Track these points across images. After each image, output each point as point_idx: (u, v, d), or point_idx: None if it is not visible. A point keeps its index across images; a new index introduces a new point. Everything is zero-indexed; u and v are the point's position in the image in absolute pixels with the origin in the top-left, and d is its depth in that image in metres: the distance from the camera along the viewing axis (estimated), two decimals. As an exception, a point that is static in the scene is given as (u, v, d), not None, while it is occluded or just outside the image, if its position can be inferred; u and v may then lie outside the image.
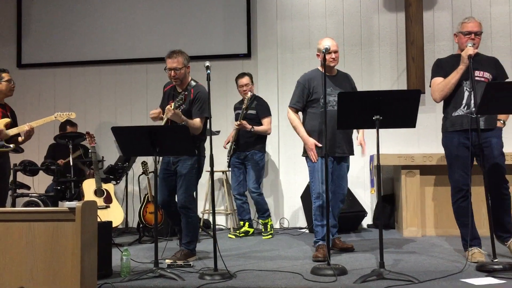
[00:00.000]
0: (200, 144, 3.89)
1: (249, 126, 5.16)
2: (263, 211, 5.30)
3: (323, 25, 6.13)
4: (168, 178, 3.91)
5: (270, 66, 6.15)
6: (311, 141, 3.93)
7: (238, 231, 5.33)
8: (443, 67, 3.74)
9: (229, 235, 5.29)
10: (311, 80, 4.00)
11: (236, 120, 5.36)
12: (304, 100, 4.02)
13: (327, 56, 3.78)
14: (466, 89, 3.62)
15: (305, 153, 4.04)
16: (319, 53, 3.96)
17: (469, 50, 3.51)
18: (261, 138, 5.33)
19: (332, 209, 4.00)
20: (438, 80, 3.72)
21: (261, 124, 5.26)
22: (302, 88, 4.03)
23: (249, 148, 5.26)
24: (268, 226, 5.27)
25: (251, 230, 5.35)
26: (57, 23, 6.68)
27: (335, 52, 3.95)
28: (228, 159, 5.44)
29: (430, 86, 3.83)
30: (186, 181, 3.81)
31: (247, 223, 5.35)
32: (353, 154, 4.13)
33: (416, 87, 5.59)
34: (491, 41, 5.80)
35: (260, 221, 5.32)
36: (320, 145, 3.90)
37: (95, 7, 6.62)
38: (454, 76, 3.60)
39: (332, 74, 4.06)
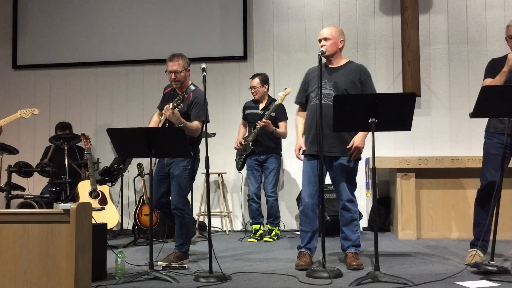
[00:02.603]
0: (194, 146, 3.89)
1: (273, 127, 5.12)
2: (275, 218, 5.23)
3: (319, 27, 6.08)
4: (162, 180, 3.93)
5: (266, 68, 6.15)
6: (297, 144, 3.74)
7: (257, 235, 5.18)
8: (495, 68, 3.63)
9: (249, 240, 5.11)
10: (311, 73, 3.81)
11: (247, 119, 5.37)
12: (303, 95, 3.82)
13: (319, 45, 3.67)
14: None
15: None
16: None
17: None
18: (279, 141, 5.32)
19: (339, 220, 3.70)
20: (488, 81, 3.62)
21: (277, 127, 5.21)
22: (302, 82, 3.87)
23: (271, 151, 5.23)
24: (273, 233, 5.20)
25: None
26: (53, 24, 6.66)
27: (325, 39, 3.66)
28: (240, 160, 5.32)
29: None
30: (178, 183, 3.82)
31: (262, 226, 5.24)
32: (345, 156, 3.61)
33: (411, 90, 5.61)
34: (486, 45, 5.83)
35: (268, 226, 5.24)
36: (304, 148, 3.70)
37: (91, 9, 6.61)
38: (498, 80, 3.50)
39: (333, 66, 3.71)
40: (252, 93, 5.31)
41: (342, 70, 3.69)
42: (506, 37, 3.66)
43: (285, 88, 5.07)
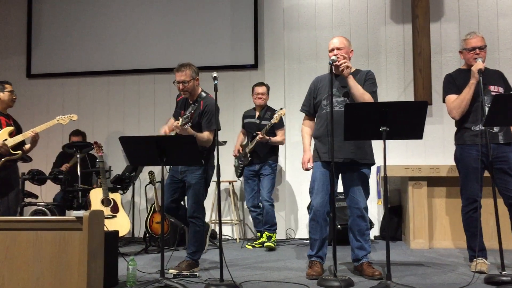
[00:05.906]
0: (209, 154, 3.92)
1: (267, 138, 5.21)
2: (272, 224, 5.24)
3: (330, 36, 6.10)
4: (173, 185, 3.95)
5: (277, 76, 6.17)
6: (306, 157, 3.74)
7: (255, 242, 5.29)
8: (455, 83, 3.73)
9: (247, 246, 5.29)
10: (319, 81, 3.79)
11: (245, 128, 5.51)
12: (311, 103, 3.80)
13: (330, 54, 3.63)
14: (486, 104, 3.57)
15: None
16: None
17: (479, 64, 3.52)
18: (275, 148, 5.38)
19: (351, 229, 3.61)
20: (453, 97, 3.70)
21: (275, 135, 5.29)
22: (309, 91, 3.85)
23: (265, 158, 5.28)
24: (272, 238, 5.18)
25: None
26: (66, 34, 6.76)
27: (338, 49, 3.62)
28: (239, 168, 5.46)
29: (444, 102, 3.82)
30: (195, 191, 3.84)
31: (264, 234, 5.26)
32: (366, 160, 3.60)
33: (423, 98, 5.59)
34: (498, 53, 5.79)
35: (266, 233, 5.24)
36: (310, 166, 3.71)
37: (104, 19, 6.69)
38: (468, 92, 3.59)
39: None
40: (258, 98, 5.40)
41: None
42: (461, 51, 3.79)
43: (281, 109, 5.25)
